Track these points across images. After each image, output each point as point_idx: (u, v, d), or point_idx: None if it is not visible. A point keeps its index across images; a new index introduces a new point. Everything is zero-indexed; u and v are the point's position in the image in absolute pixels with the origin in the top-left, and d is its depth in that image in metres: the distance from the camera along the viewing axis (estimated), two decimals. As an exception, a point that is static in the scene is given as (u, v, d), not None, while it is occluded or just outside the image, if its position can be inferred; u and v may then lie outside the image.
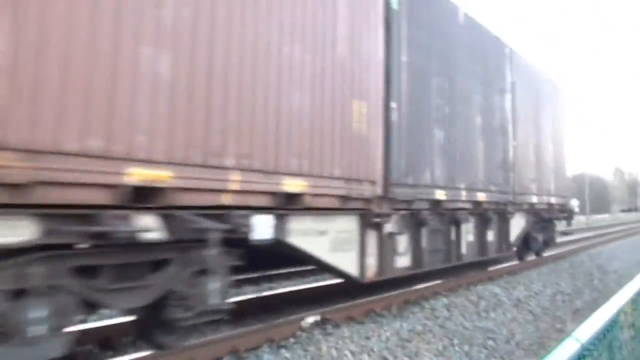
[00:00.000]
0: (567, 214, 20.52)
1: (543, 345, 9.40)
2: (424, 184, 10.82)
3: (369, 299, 10.63)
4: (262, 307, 10.19)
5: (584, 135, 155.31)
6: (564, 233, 24.97)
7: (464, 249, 12.73)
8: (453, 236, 12.27)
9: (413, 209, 10.55)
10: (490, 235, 14.19)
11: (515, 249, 16.71)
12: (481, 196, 13.21)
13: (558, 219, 19.75)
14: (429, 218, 10.90)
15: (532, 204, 16.64)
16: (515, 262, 17.57)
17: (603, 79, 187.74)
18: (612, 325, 3.08)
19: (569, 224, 21.07)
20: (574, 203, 21.21)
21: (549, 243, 19.27)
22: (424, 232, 11.01)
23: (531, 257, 18.29)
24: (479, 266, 15.41)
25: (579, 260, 19.81)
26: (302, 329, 8.36)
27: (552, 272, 16.30)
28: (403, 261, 10.46)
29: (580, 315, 11.56)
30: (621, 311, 3.46)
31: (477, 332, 9.30)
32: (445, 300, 11.10)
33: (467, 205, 12.70)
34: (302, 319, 8.65)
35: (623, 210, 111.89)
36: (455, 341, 8.68)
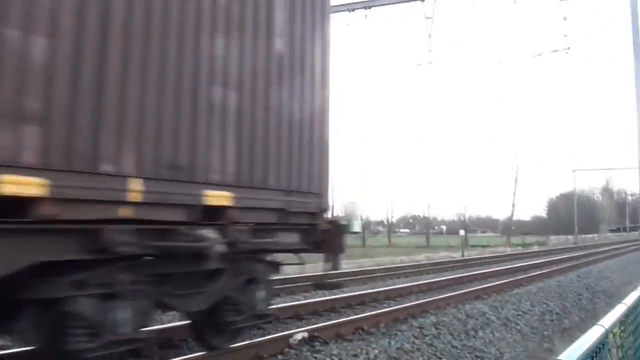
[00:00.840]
0: (321, 237, 8.62)
1: (531, 365, 9.40)
2: None
3: (358, 316, 10.61)
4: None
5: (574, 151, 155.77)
6: (320, 287, 14.81)
7: None
8: None
9: None
10: None
11: None
12: None
13: (270, 251, 8.09)
14: None
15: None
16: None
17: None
18: (600, 347, 3.08)
19: (333, 262, 9.23)
20: (351, 213, 8.85)
21: (221, 324, 7.59)
22: None
23: None
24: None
25: (568, 280, 19.83)
26: (291, 346, 8.32)
27: (540, 291, 16.31)
28: None
29: (568, 335, 11.56)
30: (609, 332, 3.46)
31: (466, 351, 9.27)
32: (433, 319, 11.08)
33: None
34: (291, 335, 8.61)
35: (612, 230, 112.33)
36: (444, 360, 8.66)
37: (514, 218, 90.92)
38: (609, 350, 3.46)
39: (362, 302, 13.32)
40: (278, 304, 10.80)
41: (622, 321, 4.03)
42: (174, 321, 9.25)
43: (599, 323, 3.27)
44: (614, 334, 3.79)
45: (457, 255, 39.09)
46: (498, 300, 13.95)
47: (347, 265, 28.06)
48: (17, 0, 4.73)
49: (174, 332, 8.57)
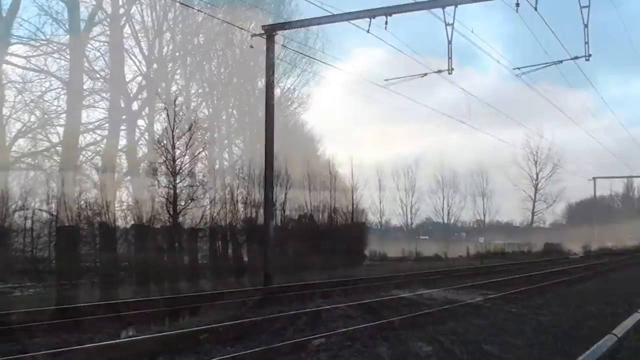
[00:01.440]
0: None
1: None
2: None
3: (375, 323, 10.64)
4: (268, 329, 10.20)
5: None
6: None
7: None
8: None
9: None
10: None
11: None
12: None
13: None
14: None
15: None
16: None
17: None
18: (613, 356, 3.12)
19: None
20: None
21: None
22: None
23: None
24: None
25: (588, 287, 19.71)
26: (308, 352, 8.36)
27: (559, 298, 16.23)
28: None
29: (586, 341, 11.50)
30: (623, 341, 3.50)
31: (483, 359, 9.26)
32: (452, 324, 11.08)
33: None
34: (309, 341, 8.65)
35: (632, 238, 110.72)
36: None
37: (533, 225, 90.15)
38: (625, 356, 3.49)
39: (379, 308, 13.33)
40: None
41: (637, 330, 4.05)
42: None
43: (612, 332, 3.31)
44: (630, 341, 3.82)
45: (477, 262, 39.01)
46: (517, 307, 13.91)
47: (365, 272, 28.10)
48: None
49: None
